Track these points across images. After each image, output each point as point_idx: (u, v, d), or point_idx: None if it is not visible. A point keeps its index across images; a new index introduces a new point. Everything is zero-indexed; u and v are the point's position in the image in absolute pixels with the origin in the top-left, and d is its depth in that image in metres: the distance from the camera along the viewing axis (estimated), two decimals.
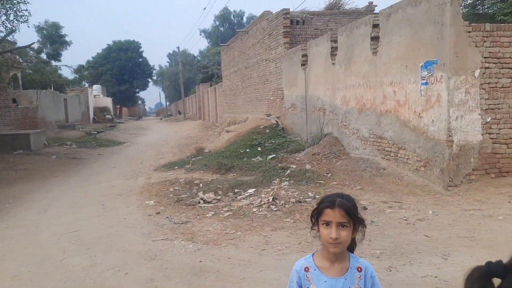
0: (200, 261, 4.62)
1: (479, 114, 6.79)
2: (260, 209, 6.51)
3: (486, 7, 12.82)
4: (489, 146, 6.84)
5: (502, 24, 6.85)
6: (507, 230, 5.17)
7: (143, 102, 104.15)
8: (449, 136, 6.72)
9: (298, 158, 10.24)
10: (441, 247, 4.78)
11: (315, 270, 1.74)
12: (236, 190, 7.98)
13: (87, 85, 47.47)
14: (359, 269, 1.74)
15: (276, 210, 6.45)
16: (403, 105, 7.83)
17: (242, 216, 6.31)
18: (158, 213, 6.76)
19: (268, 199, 6.76)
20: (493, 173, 6.88)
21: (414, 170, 7.52)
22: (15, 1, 11.90)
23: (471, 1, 12.87)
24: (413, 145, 7.55)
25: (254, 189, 7.95)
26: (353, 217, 1.69)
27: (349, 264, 1.74)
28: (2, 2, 11.47)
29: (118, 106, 63.24)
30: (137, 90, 68.45)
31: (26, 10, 12.75)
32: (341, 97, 10.33)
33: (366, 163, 8.81)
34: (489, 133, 6.84)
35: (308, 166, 9.52)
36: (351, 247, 1.81)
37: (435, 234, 5.20)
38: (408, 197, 6.86)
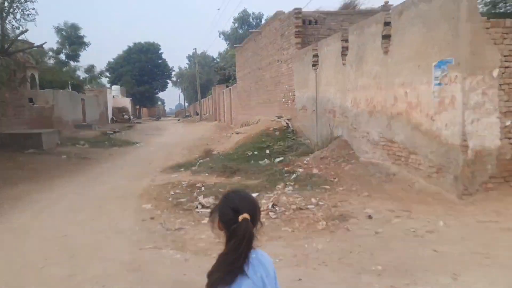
0: (185, 274, 4.31)
1: (497, 117, 6.25)
2: None
3: (508, 4, 12.11)
4: (508, 152, 6.29)
5: None
6: None
7: (163, 103, 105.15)
8: (464, 140, 6.21)
9: (305, 162, 9.84)
10: (451, 264, 4.32)
11: None
12: None
13: (108, 86, 48.11)
14: None
15: (275, 218, 6.08)
16: (415, 107, 7.35)
17: None
18: (152, 218, 6.49)
19: (268, 206, 6.40)
20: None
21: (426, 176, 7.02)
22: (22, 0, 11.91)
23: None
24: (425, 150, 7.06)
25: (257, 194, 7.60)
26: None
27: None
28: (9, 0, 11.46)
29: (138, 107, 63.91)
30: (157, 91, 69.08)
31: (33, 9, 12.78)
32: (351, 98, 9.88)
33: (375, 168, 8.34)
34: (509, 138, 6.29)
35: (315, 170, 9.10)
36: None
37: (445, 249, 4.74)
38: (418, 205, 6.37)
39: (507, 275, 4.00)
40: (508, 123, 6.27)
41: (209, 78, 58.52)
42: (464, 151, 6.22)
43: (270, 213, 6.20)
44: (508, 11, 12.03)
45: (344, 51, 10.08)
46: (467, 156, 6.22)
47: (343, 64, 10.14)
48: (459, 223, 5.51)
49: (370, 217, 5.91)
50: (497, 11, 11.95)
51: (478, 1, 6.33)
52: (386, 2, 14.61)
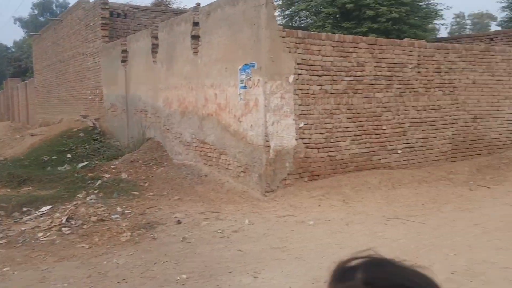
0: None
1: (293, 120, 6.84)
2: (48, 233, 5.17)
3: (302, 19, 13.84)
4: (302, 150, 6.96)
5: (312, 32, 7.09)
6: (316, 236, 5.13)
7: None
8: (266, 141, 6.57)
9: (113, 166, 9.01)
10: (253, 262, 4.37)
11: None
12: (25, 209, 6.37)
13: None
14: None
15: (69, 233, 5.20)
16: (224, 108, 7.47)
17: (19, 245, 4.88)
18: None
19: (61, 220, 5.45)
20: (306, 177, 7.03)
21: (235, 176, 7.21)
22: None
23: (288, 13, 13.75)
24: (234, 150, 7.24)
25: (51, 206, 6.48)
26: None
27: None
28: None
29: None
30: None
31: None
32: (163, 98, 9.53)
33: (188, 169, 8.20)
34: (302, 138, 6.96)
35: (124, 175, 8.40)
36: None
37: (249, 247, 4.81)
38: (226, 205, 6.45)
39: (300, 266, 4.26)
40: (301, 124, 6.92)
41: (1, 70, 49.69)
42: (267, 151, 6.59)
43: (63, 228, 5.28)
44: (302, 25, 13.71)
45: (155, 48, 9.65)
46: (269, 156, 6.61)
47: (154, 62, 9.70)
48: (262, 220, 5.75)
49: (179, 222, 5.65)
50: (293, 24, 13.47)
51: (277, 12, 6.80)
52: (198, 4, 14.81)
